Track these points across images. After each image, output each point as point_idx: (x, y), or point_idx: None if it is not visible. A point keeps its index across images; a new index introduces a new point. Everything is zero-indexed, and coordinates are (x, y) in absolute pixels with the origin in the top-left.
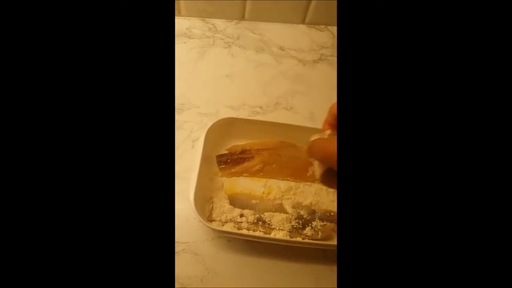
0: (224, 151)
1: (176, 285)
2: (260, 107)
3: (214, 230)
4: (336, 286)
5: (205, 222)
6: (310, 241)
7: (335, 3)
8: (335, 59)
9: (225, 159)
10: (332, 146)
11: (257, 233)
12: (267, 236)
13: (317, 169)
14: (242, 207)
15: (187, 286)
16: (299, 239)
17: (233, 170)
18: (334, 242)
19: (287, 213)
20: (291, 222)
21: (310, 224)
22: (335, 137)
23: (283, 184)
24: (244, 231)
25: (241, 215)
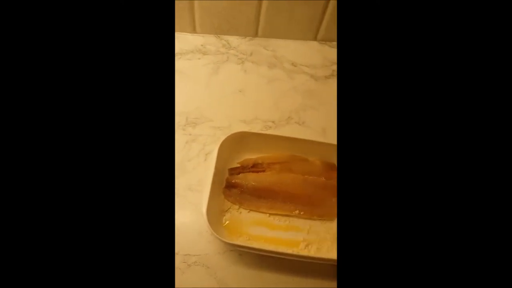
0: (236, 165)
1: None
2: (272, 122)
3: (225, 243)
4: None
5: (216, 235)
6: (320, 256)
7: None
8: None
9: (237, 172)
10: None
11: (267, 248)
12: (277, 250)
13: None
14: None
15: None
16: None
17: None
18: None
19: None
20: None
21: None
22: None
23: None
24: (255, 245)
25: None
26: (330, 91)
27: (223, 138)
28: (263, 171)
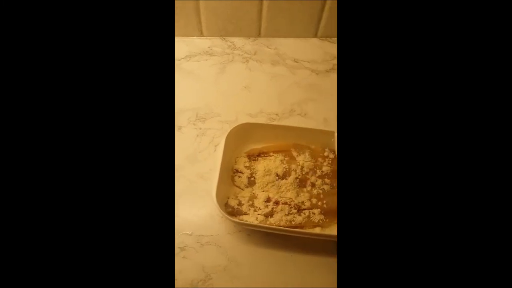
0: (243, 154)
1: (202, 273)
2: (276, 114)
3: (235, 224)
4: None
5: (226, 215)
6: (325, 233)
7: None
8: None
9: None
10: None
11: (273, 226)
12: (283, 228)
13: None
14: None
15: (212, 274)
16: (317, 230)
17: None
18: None
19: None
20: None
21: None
22: None
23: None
24: (261, 223)
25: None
26: (331, 84)
27: (229, 130)
28: (269, 155)
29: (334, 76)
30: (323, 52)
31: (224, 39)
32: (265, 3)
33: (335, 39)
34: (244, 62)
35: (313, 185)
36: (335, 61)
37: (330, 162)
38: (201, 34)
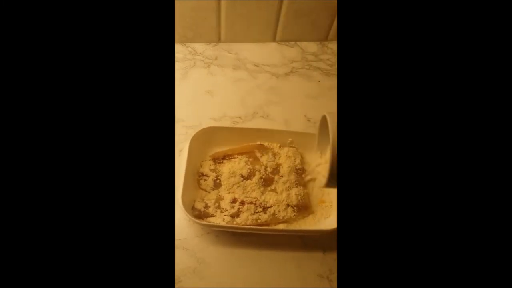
0: (208, 158)
1: None
2: (239, 117)
3: (202, 227)
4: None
5: (192, 218)
6: (289, 228)
7: (301, 21)
8: (305, 71)
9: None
10: None
11: (240, 225)
12: (249, 227)
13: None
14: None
15: (181, 277)
16: (281, 226)
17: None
18: (310, 227)
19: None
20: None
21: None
22: None
23: None
24: (228, 224)
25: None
26: (290, 86)
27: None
28: (235, 158)
29: (293, 79)
30: (281, 56)
31: (185, 45)
32: (223, 8)
33: (292, 43)
34: (205, 68)
35: (277, 183)
36: (294, 65)
37: (292, 160)
38: None
